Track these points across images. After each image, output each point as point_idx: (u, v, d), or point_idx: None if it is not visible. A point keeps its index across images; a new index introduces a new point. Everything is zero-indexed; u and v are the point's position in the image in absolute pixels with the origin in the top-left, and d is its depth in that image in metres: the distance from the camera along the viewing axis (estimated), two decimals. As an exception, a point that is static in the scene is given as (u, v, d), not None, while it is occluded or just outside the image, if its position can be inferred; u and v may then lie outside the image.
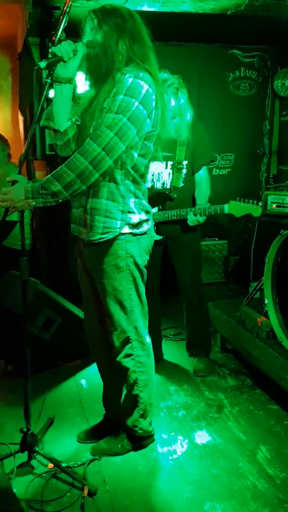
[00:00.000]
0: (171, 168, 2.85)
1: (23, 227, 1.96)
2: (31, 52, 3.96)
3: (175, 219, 2.84)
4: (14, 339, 2.76)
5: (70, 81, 1.91)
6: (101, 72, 1.88)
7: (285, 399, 2.63)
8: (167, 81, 2.70)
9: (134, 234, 1.98)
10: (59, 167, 1.81)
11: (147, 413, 2.19)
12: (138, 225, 1.98)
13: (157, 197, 2.87)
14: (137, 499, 1.98)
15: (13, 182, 1.86)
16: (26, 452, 2.13)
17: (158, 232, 2.85)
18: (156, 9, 3.52)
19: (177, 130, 2.79)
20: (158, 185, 2.89)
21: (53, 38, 1.99)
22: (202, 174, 2.93)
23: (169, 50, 4.40)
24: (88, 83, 1.98)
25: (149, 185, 2.89)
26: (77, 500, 1.95)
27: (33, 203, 1.81)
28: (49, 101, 2.04)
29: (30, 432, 2.10)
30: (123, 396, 2.23)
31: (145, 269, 2.08)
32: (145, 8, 3.49)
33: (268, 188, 4.26)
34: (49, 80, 1.88)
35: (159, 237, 2.88)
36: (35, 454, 2.13)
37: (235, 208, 2.70)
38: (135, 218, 1.96)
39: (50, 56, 1.85)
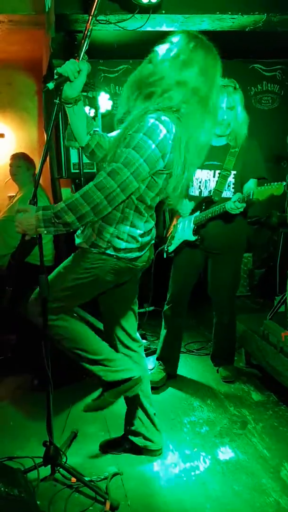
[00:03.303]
0: (218, 175, 2.89)
1: (41, 244, 2.01)
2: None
3: (215, 215, 2.84)
4: (39, 354, 2.81)
5: (79, 99, 1.95)
6: (143, 93, 1.91)
7: (310, 415, 2.60)
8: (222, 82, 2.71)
9: (117, 257, 2.01)
10: (74, 197, 1.83)
11: (91, 357, 2.15)
12: (125, 250, 2.00)
13: (201, 202, 2.95)
14: (158, 514, 1.98)
15: (24, 210, 1.88)
16: (49, 466, 2.16)
17: (195, 233, 2.93)
18: (175, 29, 3.59)
19: (231, 135, 2.87)
20: (205, 193, 2.94)
21: (76, 60, 2.05)
22: (249, 185, 2.90)
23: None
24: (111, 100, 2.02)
25: (196, 192, 2.97)
26: (99, 514, 1.96)
27: (45, 231, 1.85)
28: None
29: (53, 445, 2.13)
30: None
31: (103, 286, 2.10)
32: (164, 28, 3.57)
33: (293, 201, 4.24)
34: (57, 101, 1.90)
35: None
36: (58, 467, 2.16)
37: (260, 192, 2.65)
38: (121, 244, 1.99)
39: (56, 77, 1.87)
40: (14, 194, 4.19)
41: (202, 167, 2.89)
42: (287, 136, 5.06)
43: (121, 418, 2.45)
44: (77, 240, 2.07)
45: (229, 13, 3.40)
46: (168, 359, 3.15)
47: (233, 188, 2.90)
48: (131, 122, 1.90)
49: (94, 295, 2.17)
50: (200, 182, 2.95)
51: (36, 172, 3.95)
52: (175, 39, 1.91)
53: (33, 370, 3.11)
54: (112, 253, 1.99)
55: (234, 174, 2.88)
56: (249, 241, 4.94)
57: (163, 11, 3.36)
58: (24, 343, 3.20)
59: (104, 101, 4.41)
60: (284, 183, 2.67)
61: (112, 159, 1.90)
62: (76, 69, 1.88)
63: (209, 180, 2.92)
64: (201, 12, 3.40)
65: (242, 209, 2.73)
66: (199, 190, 2.95)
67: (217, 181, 2.89)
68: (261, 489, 2.09)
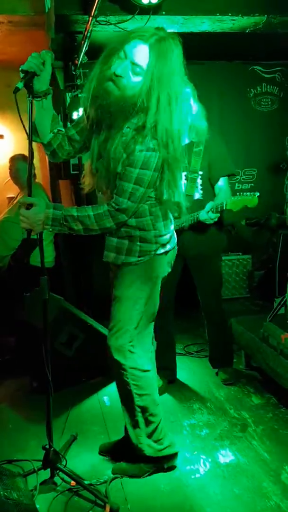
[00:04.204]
0: (185, 178, 2.82)
1: (42, 246, 2.00)
2: (55, 75, 4.08)
3: (189, 224, 2.80)
4: (38, 356, 2.80)
5: (48, 92, 1.94)
6: (117, 113, 1.86)
7: (310, 417, 2.59)
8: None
9: (166, 252, 2.08)
10: (87, 213, 1.86)
11: (151, 431, 2.16)
12: (168, 241, 2.08)
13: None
14: (158, 518, 1.96)
15: (28, 206, 1.87)
16: (48, 469, 2.14)
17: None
18: (176, 30, 3.59)
19: (192, 130, 2.76)
20: None
21: (76, 61, 2.05)
22: (221, 186, 2.86)
23: (191, 69, 4.44)
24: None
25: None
26: (99, 518, 1.95)
27: (50, 229, 1.89)
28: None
29: (53, 449, 2.12)
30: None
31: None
32: (165, 29, 3.56)
33: (292, 202, 4.24)
34: (30, 99, 1.88)
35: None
36: (58, 471, 2.15)
37: (234, 203, 2.63)
38: (167, 237, 2.07)
39: (22, 75, 1.84)
40: (15, 196, 4.18)
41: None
42: (286, 137, 5.06)
43: (121, 420, 2.43)
44: (117, 258, 2.04)
45: (229, 14, 3.40)
46: (165, 368, 3.10)
47: (201, 189, 2.85)
48: (115, 142, 1.88)
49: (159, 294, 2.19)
50: None
51: (35, 172, 3.94)
52: (140, 59, 1.83)
53: (32, 372, 3.10)
54: (162, 250, 2.05)
55: (201, 174, 2.82)
56: (248, 243, 4.96)
57: (163, 12, 3.36)
58: (24, 345, 3.19)
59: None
60: (258, 194, 2.63)
61: (106, 183, 1.96)
62: (40, 61, 1.85)
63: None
64: (201, 14, 3.40)
65: (216, 219, 2.71)
66: None
67: (185, 185, 2.80)
68: (262, 492, 2.07)
